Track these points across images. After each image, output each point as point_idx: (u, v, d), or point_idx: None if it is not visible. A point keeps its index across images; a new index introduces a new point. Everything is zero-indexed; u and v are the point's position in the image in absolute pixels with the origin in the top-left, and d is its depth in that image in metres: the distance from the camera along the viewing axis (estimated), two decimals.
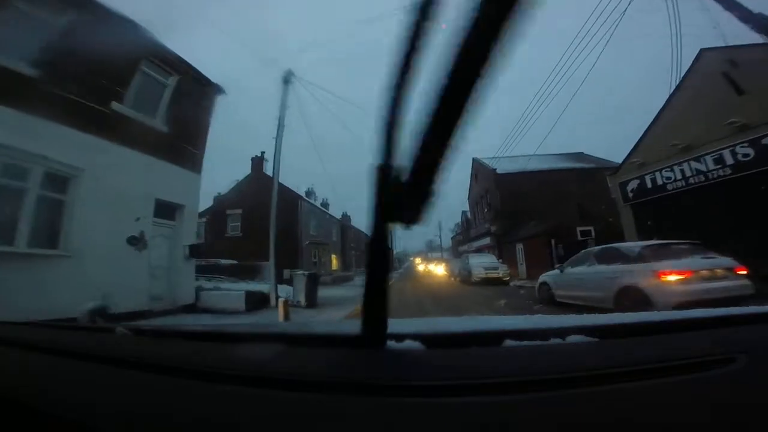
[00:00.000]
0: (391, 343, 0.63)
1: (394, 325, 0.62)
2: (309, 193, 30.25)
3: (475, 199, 31.50)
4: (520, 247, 20.77)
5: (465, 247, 34.37)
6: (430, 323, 1.16)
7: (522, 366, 0.54)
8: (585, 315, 0.96)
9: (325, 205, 30.98)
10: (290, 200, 21.72)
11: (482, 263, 17.27)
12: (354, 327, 0.65)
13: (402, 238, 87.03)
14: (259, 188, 22.24)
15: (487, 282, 16.24)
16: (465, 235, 37.10)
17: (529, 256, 19.64)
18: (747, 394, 0.44)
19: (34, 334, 0.95)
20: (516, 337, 0.63)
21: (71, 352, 0.76)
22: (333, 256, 28.18)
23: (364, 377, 0.52)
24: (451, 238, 51.83)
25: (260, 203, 22.71)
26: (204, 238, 23.69)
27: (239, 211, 22.78)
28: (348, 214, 38.28)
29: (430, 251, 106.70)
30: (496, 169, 25.23)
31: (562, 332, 0.63)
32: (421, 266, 41.09)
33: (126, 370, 0.64)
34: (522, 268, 19.93)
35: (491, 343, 0.64)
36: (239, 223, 22.74)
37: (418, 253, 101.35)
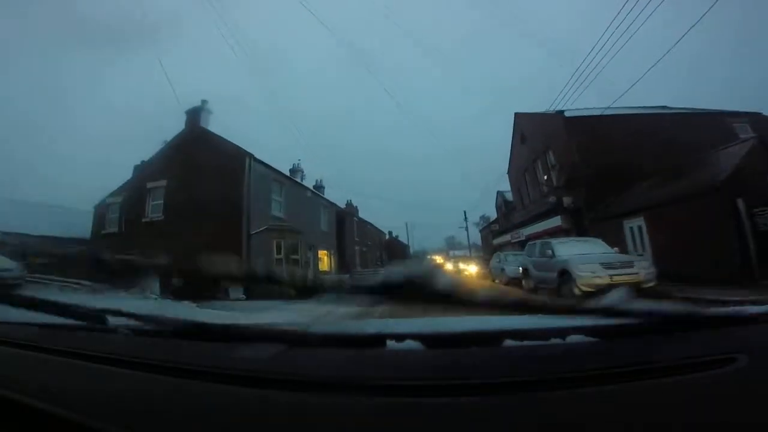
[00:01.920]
0: (391, 343, 0.63)
1: (394, 325, 0.68)
2: (294, 170, 21.87)
3: (522, 169, 22.40)
4: (635, 224, 11.70)
5: (506, 238, 25.30)
6: (431, 323, 1.03)
7: (522, 366, 0.54)
8: (585, 315, 0.83)
9: (318, 188, 22.47)
10: (232, 159, 13.30)
11: (594, 258, 8.09)
12: (355, 327, 0.68)
13: (418, 235, 77.77)
14: (192, 149, 13.96)
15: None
16: (503, 223, 27.95)
17: (662, 237, 10.46)
18: (747, 394, 0.44)
19: (34, 334, 0.93)
20: (516, 337, 0.63)
21: (71, 352, 0.76)
22: (323, 252, 19.61)
23: (364, 377, 0.53)
24: (480, 230, 42.58)
25: (192, 170, 14.40)
26: (119, 225, 15.64)
27: (163, 183, 14.50)
28: (353, 203, 29.80)
29: (451, 248, 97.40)
30: (563, 111, 16.33)
31: (562, 332, 0.63)
32: (448, 265, 32.09)
33: (126, 370, 0.64)
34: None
35: (491, 343, 0.64)
36: (162, 201, 14.45)
37: (437, 251, 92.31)
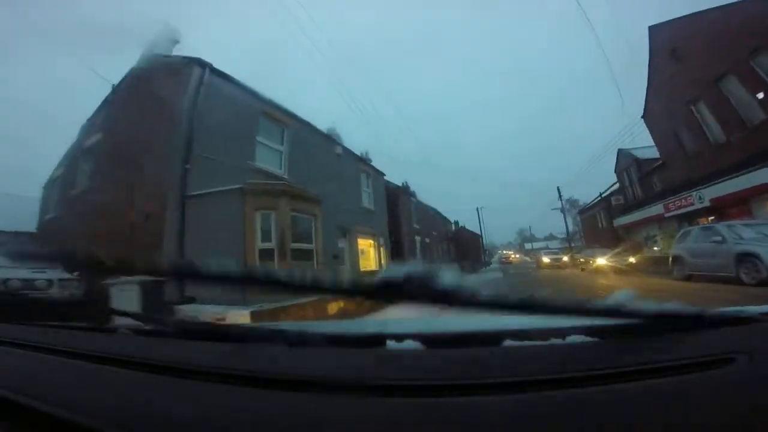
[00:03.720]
0: (391, 343, 0.63)
1: (394, 325, 0.66)
2: (331, 132, 15.54)
3: (681, 101, 13.62)
4: None
5: (645, 213, 16.53)
6: (431, 323, 1.05)
7: (522, 366, 0.54)
8: (585, 315, 0.82)
9: (366, 159, 15.82)
10: (173, 77, 7.14)
11: None
12: (354, 327, 0.69)
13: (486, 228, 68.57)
14: (136, 85, 8.21)
15: None
16: (634, 192, 18.91)
17: None
18: (747, 394, 0.44)
19: (34, 334, 0.91)
20: (516, 337, 0.63)
21: (71, 352, 0.75)
22: (365, 242, 12.94)
23: (364, 377, 0.53)
24: (578, 213, 32.92)
25: (128, 111, 7.85)
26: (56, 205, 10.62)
27: (98, 137, 8.94)
28: (410, 186, 22.73)
29: (524, 241, 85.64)
30: None
31: (562, 332, 0.63)
32: (544, 259, 23.37)
33: (126, 370, 0.63)
34: None
35: (491, 343, 0.64)
36: (91, 165, 8.89)
37: (506, 246, 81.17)
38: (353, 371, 0.55)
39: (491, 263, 42.03)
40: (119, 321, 0.88)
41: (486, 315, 0.80)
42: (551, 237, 74.72)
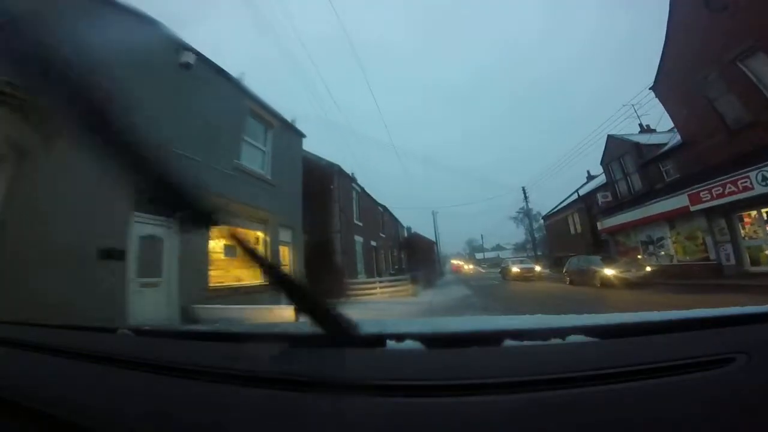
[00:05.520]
0: (392, 343, 0.63)
1: (394, 325, 0.64)
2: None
3: (715, 62, 9.71)
4: None
5: (638, 213, 12.63)
6: (431, 323, 1.11)
7: (522, 366, 0.54)
8: (585, 315, 0.90)
9: (299, 134, 10.05)
10: None
11: None
12: (355, 327, 0.67)
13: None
14: None
15: None
16: (632, 185, 15.06)
17: None
18: (747, 394, 0.45)
19: (34, 334, 0.93)
20: (516, 337, 0.63)
21: (71, 352, 0.75)
22: (247, 234, 7.25)
23: (365, 377, 0.53)
24: (543, 218, 29.53)
25: None
26: None
27: None
28: (355, 175, 17.24)
29: (474, 251, 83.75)
30: None
31: (562, 332, 0.63)
32: (515, 268, 18.83)
33: (126, 370, 0.64)
34: None
35: (491, 343, 0.64)
36: None
37: (456, 255, 78.82)
38: (353, 371, 0.55)
39: (445, 273, 37.95)
40: (119, 321, 0.91)
41: (486, 315, 0.99)
42: (499, 247, 73.34)
